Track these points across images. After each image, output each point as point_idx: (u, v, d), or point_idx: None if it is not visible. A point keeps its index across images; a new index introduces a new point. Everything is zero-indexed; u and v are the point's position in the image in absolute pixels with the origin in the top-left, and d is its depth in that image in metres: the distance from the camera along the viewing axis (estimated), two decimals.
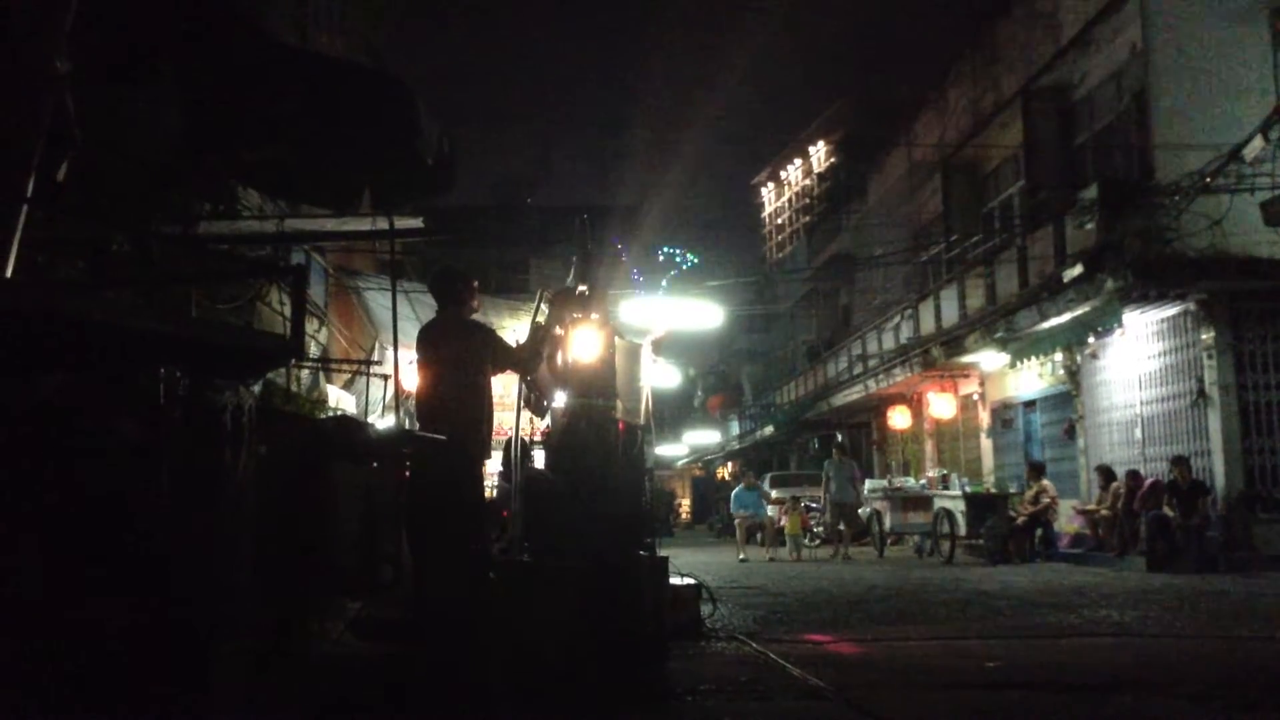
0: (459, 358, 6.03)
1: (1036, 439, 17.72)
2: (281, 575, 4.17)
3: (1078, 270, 13.37)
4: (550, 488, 6.43)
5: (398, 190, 5.98)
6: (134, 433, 3.29)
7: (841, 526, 17.06)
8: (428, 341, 6.19)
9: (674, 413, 41.20)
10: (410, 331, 8.79)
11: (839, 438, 25.61)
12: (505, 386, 8.17)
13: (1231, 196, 11.90)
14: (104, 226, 5.16)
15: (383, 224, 6.33)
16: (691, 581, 7.55)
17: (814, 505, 21.50)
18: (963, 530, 15.15)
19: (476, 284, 6.39)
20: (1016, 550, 14.56)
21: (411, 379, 7.98)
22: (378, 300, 11.41)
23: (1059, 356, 15.84)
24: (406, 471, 5.62)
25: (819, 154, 39.90)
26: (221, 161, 5.89)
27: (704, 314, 10.97)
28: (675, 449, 43.50)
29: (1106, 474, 13.95)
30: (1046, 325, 14.68)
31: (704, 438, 42.99)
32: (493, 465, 8.44)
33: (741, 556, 16.97)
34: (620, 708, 5.00)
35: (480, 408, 6.01)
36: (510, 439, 7.01)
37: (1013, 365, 17.11)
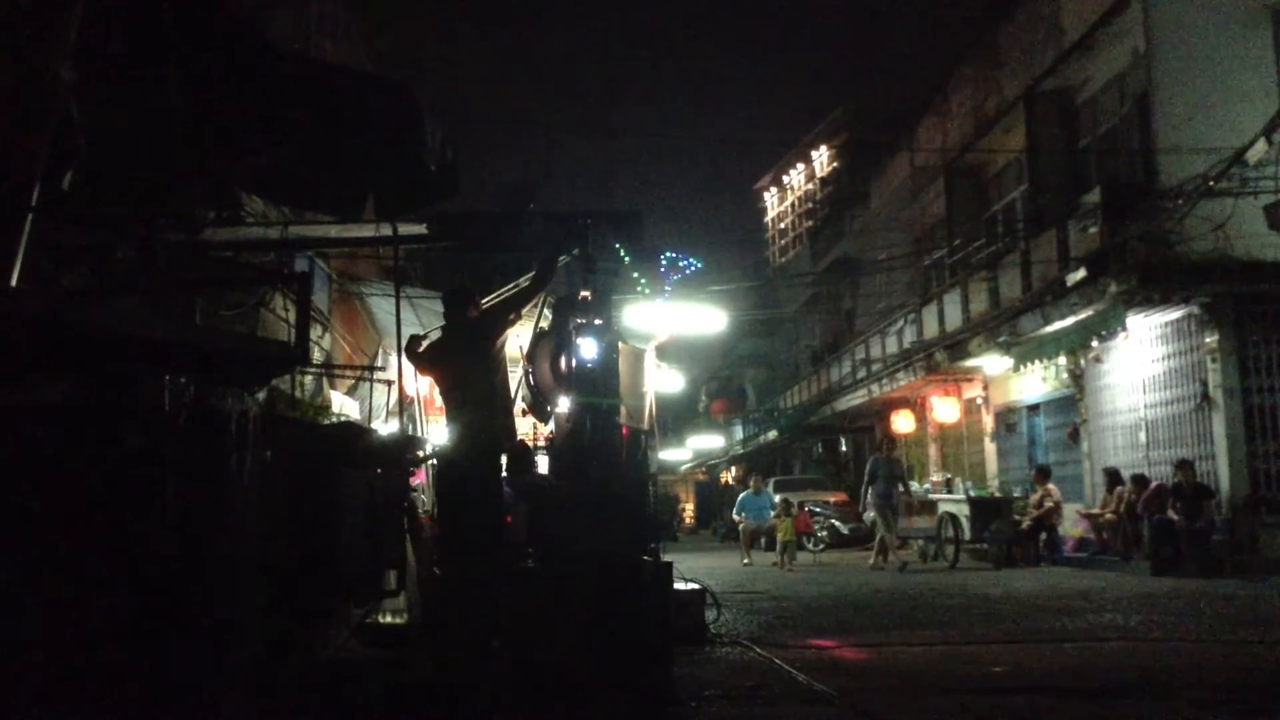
0: (462, 366, 6.15)
1: (1040, 443, 17.70)
2: (286, 581, 4.18)
3: (1081, 274, 13.36)
4: (554, 493, 6.45)
5: (402, 196, 6.00)
6: (138, 440, 3.29)
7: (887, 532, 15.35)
8: (438, 352, 6.32)
9: (677, 417, 41.16)
10: None
11: (837, 437, 25.52)
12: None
13: (1235, 200, 11.87)
14: (109, 233, 5.17)
15: (386, 230, 6.36)
16: (696, 586, 7.55)
17: (817, 509, 21.48)
18: (967, 534, 15.12)
19: (477, 297, 6.58)
20: (1021, 554, 14.54)
21: (415, 384, 8.01)
22: (381, 306, 11.42)
23: (1062, 360, 15.82)
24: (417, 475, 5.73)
25: (821, 158, 39.95)
26: (226, 168, 5.91)
27: (707, 319, 10.98)
28: (679, 454, 43.49)
29: (1113, 477, 13.90)
30: (1050, 329, 14.67)
31: (708, 442, 42.98)
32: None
33: (745, 561, 16.96)
34: (625, 713, 5.00)
35: (490, 408, 6.09)
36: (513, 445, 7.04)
37: (1016, 369, 17.09)
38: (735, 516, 18.91)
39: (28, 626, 3.11)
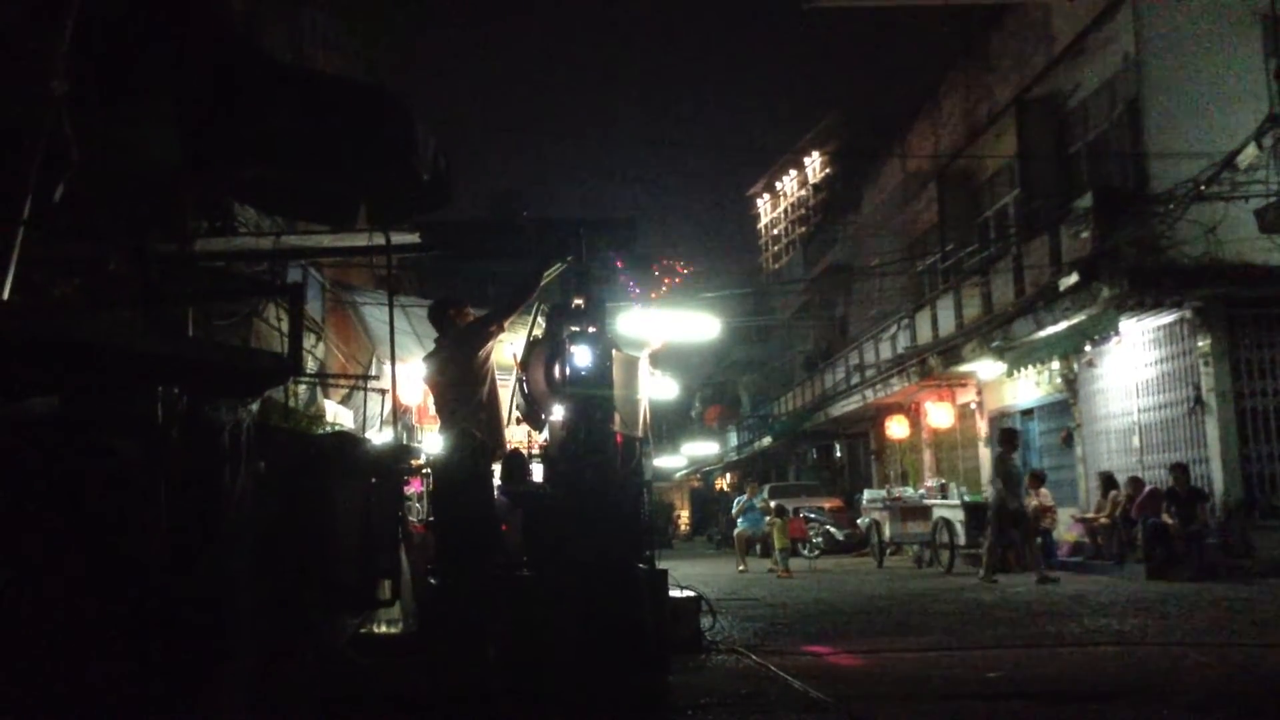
0: (449, 380, 6.24)
1: (1034, 447, 17.72)
2: (281, 592, 4.17)
3: (1073, 279, 13.39)
4: (549, 501, 6.44)
5: (394, 206, 5.99)
6: (132, 452, 3.29)
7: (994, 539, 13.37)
8: (431, 368, 6.53)
9: (672, 424, 41.19)
10: (408, 345, 8.82)
11: (832, 443, 25.40)
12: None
13: (1226, 204, 11.92)
14: (100, 246, 5.16)
15: (379, 239, 6.35)
16: (691, 594, 7.55)
17: (812, 515, 21.48)
18: (962, 540, 15.11)
19: (464, 309, 6.63)
20: (1016, 559, 14.53)
21: (408, 393, 8.03)
22: (375, 315, 11.39)
23: (1056, 365, 15.85)
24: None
25: (814, 165, 40.03)
26: (218, 179, 5.90)
27: (701, 325, 10.98)
28: (674, 461, 43.50)
29: (1108, 480, 13.91)
30: (1043, 334, 14.69)
31: (702, 449, 42.99)
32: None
33: (741, 568, 16.95)
34: None
35: (477, 418, 6.17)
36: (508, 453, 7.06)
37: (1010, 374, 17.11)
38: (740, 523, 18.74)
39: (27, 633, 3.10)
